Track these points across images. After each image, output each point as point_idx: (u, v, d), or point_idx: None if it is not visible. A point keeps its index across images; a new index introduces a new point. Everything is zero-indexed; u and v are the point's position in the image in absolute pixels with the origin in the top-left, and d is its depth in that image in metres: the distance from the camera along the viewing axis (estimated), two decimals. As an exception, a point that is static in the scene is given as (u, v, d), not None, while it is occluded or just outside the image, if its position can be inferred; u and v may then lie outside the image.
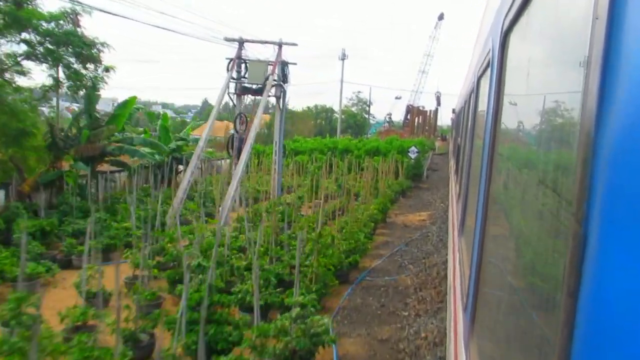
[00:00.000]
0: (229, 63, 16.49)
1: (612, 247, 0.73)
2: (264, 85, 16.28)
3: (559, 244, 1.12)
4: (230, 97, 16.90)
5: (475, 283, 2.42)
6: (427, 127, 71.72)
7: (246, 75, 16.93)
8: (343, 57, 63.34)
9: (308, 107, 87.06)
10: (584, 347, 0.78)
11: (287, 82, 17.48)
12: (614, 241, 0.73)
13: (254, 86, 16.88)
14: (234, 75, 16.71)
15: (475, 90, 4.69)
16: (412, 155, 25.70)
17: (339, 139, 42.66)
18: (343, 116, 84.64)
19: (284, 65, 17.40)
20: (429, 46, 74.97)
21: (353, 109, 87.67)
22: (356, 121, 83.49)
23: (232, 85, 16.97)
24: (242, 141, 15.88)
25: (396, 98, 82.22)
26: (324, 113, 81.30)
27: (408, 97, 79.16)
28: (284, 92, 17.50)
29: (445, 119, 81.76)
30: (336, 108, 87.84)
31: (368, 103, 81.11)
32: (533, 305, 1.46)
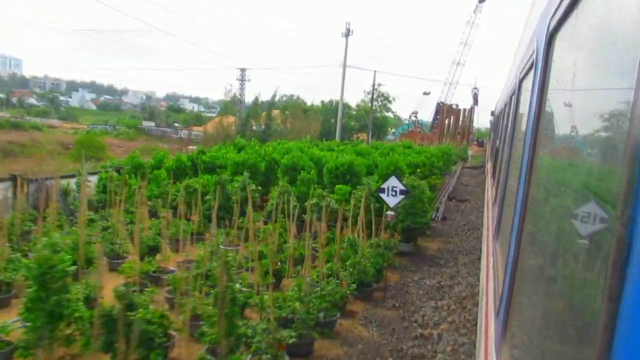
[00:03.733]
0: None
1: None
2: None
3: (599, 249, 1.10)
4: None
5: (509, 288, 2.39)
6: (459, 130, 61.14)
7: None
8: (347, 34, 47.71)
9: (322, 103, 74.18)
10: (626, 354, 0.77)
11: None
12: None
13: None
14: None
15: (516, 92, 4.61)
16: (391, 204, 9.38)
17: (330, 142, 29.51)
18: (358, 113, 71.33)
19: None
20: (466, 33, 65.35)
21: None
22: (374, 119, 67.56)
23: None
24: None
25: (424, 94, 70.36)
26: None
27: (439, 92, 67.30)
28: None
29: (483, 121, 70.46)
30: (353, 103, 72.66)
31: (371, 94, 62.54)
32: (569, 311, 1.44)
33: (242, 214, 10.62)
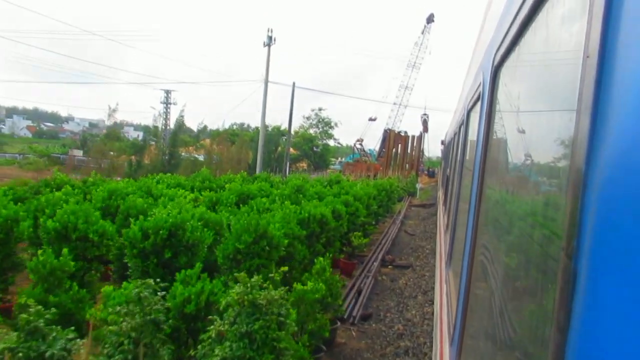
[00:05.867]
0: None
1: (602, 283, 0.73)
2: None
3: (548, 278, 1.11)
4: None
5: (462, 316, 2.39)
6: (408, 159, 56.30)
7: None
8: (269, 42, 38.01)
9: (257, 128, 61.19)
10: None
11: None
12: (604, 276, 0.73)
13: None
14: None
15: (465, 123, 4.75)
16: None
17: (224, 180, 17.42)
18: (297, 140, 61.07)
19: None
20: (414, 55, 59.51)
21: (311, 131, 64.99)
22: (313, 147, 60.67)
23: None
24: None
25: (370, 120, 64.17)
26: (278, 136, 55.37)
27: (386, 119, 60.64)
28: None
29: (434, 149, 66.74)
30: (292, 129, 56.68)
31: (290, 112, 40.27)
32: (522, 341, 1.45)
33: None
